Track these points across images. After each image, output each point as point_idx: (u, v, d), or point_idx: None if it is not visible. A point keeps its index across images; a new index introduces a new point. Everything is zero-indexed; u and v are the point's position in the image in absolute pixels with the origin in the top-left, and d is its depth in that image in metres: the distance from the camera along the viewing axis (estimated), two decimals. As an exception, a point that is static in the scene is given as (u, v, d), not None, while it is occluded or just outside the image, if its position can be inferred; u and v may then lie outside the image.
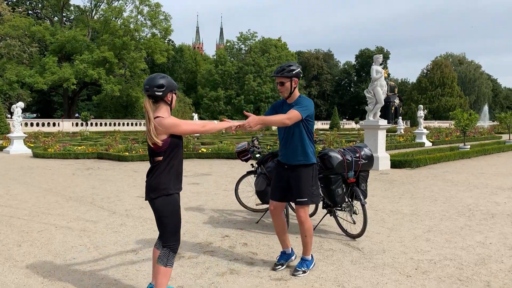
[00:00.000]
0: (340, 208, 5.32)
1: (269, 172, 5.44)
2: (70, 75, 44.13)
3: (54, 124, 40.18)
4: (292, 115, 3.75)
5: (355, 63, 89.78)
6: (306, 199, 3.98)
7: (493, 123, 55.30)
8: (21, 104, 18.22)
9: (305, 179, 3.99)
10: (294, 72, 3.93)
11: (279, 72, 3.95)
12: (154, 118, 3.17)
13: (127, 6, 50.72)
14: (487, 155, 16.16)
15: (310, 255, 4.16)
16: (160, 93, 3.19)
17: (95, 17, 53.04)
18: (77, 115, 55.63)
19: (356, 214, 5.28)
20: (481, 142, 21.30)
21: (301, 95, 4.03)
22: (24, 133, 19.72)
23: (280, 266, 4.19)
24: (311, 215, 6.22)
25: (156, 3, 50.97)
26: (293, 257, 4.35)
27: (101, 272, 4.12)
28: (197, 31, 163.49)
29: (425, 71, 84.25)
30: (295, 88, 3.99)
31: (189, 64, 77.37)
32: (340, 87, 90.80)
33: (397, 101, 61.41)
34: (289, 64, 3.96)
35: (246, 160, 6.12)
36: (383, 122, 12.16)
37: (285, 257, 4.31)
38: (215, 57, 73.96)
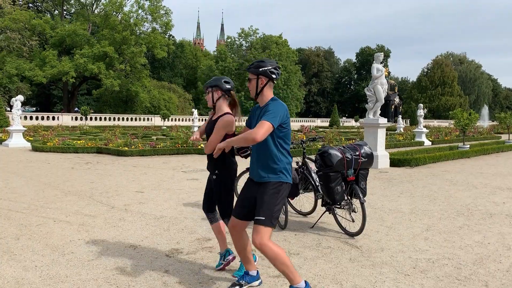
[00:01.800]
0: (339, 206, 5.32)
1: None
2: (70, 69, 44.07)
3: (53, 118, 40.13)
4: (262, 128, 3.09)
5: (355, 61, 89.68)
6: (263, 218, 3.24)
7: (492, 123, 55.32)
8: (20, 98, 18.19)
9: (271, 196, 3.29)
10: (260, 70, 3.33)
11: (248, 67, 3.48)
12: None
13: (127, 0, 50.61)
14: (486, 155, 16.17)
15: (302, 283, 3.29)
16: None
17: (96, 11, 52.94)
18: (76, 109, 55.59)
19: (355, 212, 5.28)
20: (480, 142, 21.31)
21: (273, 98, 3.36)
22: (24, 126, 19.68)
23: (237, 286, 3.61)
24: (309, 212, 6.23)
25: (157, -2, 50.87)
26: (256, 282, 3.68)
27: (99, 266, 4.12)
28: (198, 27, 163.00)
29: (425, 70, 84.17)
30: (262, 88, 3.38)
31: (189, 60, 77.25)
32: (340, 85, 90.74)
33: (397, 99, 61.45)
34: (262, 60, 3.43)
35: (246, 157, 6.08)
36: (383, 121, 12.15)
37: (247, 278, 3.67)
38: (215, 53, 73.82)
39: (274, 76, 3.37)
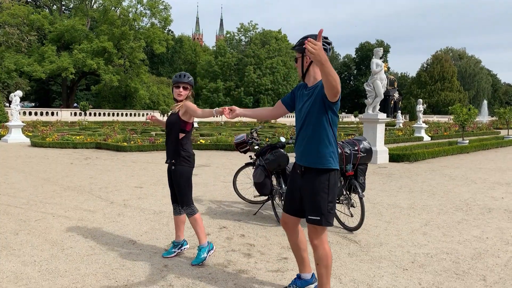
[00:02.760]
0: (338, 201, 5.32)
1: (268, 164, 5.44)
2: (69, 65, 43.96)
3: (52, 114, 40.03)
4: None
5: (355, 56, 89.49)
6: (318, 218, 3.03)
7: (492, 118, 55.32)
8: (19, 93, 18.15)
9: (319, 190, 3.02)
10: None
11: (294, 46, 3.16)
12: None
13: (126, -5, 50.40)
14: (485, 150, 16.18)
15: None
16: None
17: (94, 6, 52.71)
18: (75, 104, 55.48)
19: (353, 207, 5.29)
20: (479, 137, 21.32)
21: None
22: (22, 122, 19.67)
23: None
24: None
25: (156, -7, 50.66)
26: (311, 286, 3.38)
27: (98, 261, 4.12)
28: (197, 22, 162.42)
29: (425, 65, 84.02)
30: (308, 66, 3.07)
31: (188, 55, 77.04)
32: (339, 80, 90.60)
33: (396, 95, 61.40)
34: (307, 35, 3.03)
35: (245, 152, 6.12)
36: (382, 116, 12.15)
37: (299, 282, 3.40)
38: (214, 48, 73.63)
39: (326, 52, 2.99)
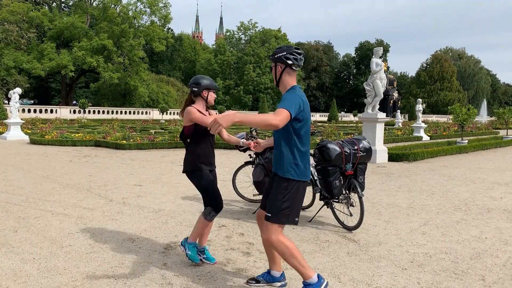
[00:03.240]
0: (337, 200, 5.33)
1: (267, 162, 5.44)
2: (68, 62, 43.90)
3: (51, 111, 39.99)
4: (278, 115, 2.88)
5: (354, 55, 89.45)
6: (270, 215, 3.17)
7: (491, 118, 55.38)
8: (18, 90, 18.11)
9: (277, 192, 3.18)
10: (276, 56, 3.19)
11: (269, 56, 3.32)
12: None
13: (126, -7, 50.31)
14: (484, 150, 16.20)
15: (315, 277, 3.22)
16: (196, 89, 3.94)
17: (94, 4, 52.60)
18: (75, 102, 55.43)
19: (353, 206, 5.29)
20: (478, 137, 21.34)
21: (294, 87, 3.18)
22: (22, 119, 19.65)
23: (253, 282, 3.56)
24: (308, 206, 6.24)
25: (156, -9, 50.57)
26: (277, 284, 3.52)
27: (97, 259, 4.12)
28: (197, 20, 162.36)
29: (424, 65, 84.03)
30: (280, 75, 3.20)
31: (188, 53, 77.01)
32: (339, 80, 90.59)
33: (396, 94, 61.38)
34: (281, 46, 3.29)
35: (244, 151, 6.11)
36: (382, 115, 12.15)
37: (268, 277, 3.55)
38: (214, 46, 73.58)
39: (290, 62, 3.15)
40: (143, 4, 50.74)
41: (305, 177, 3.19)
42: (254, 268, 3.95)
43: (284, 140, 3.14)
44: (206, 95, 3.97)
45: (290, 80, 3.21)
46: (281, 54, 3.18)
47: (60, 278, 3.67)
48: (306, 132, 3.16)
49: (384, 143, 13.31)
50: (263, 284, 3.53)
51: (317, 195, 5.85)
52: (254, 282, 3.56)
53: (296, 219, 3.23)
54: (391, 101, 59.22)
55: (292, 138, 3.12)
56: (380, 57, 12.46)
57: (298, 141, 3.13)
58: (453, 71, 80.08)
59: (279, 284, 3.53)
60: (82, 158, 11.92)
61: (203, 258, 4.07)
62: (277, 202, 3.16)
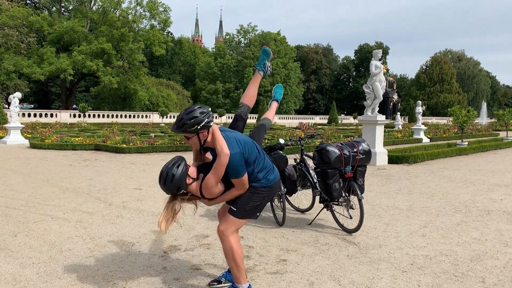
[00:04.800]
0: (337, 203, 5.32)
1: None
2: (68, 66, 43.91)
3: (51, 115, 39.98)
4: (242, 185, 3.19)
5: (354, 58, 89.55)
6: (234, 209, 3.27)
7: (491, 120, 55.38)
8: (18, 95, 18.13)
9: (247, 193, 3.28)
10: (199, 127, 3.03)
11: (179, 129, 3.07)
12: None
13: (126, -3, 50.39)
14: (484, 152, 16.19)
15: (245, 286, 3.33)
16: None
17: (94, 8, 52.70)
18: (74, 106, 55.41)
19: (352, 209, 5.28)
20: (478, 139, 21.34)
21: (224, 133, 3.17)
22: (22, 123, 19.65)
23: (215, 283, 3.60)
24: (307, 209, 6.23)
25: (156, -5, 50.68)
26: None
27: (97, 263, 4.11)
28: (196, 24, 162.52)
29: (424, 67, 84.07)
30: (205, 140, 3.14)
31: (188, 57, 77.07)
32: (339, 82, 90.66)
33: (395, 96, 61.45)
34: (191, 116, 3.04)
35: None
36: (381, 118, 12.15)
37: (229, 276, 3.58)
38: (214, 50, 73.67)
39: (211, 123, 3.10)
40: (142, 8, 50.84)
41: (270, 182, 3.33)
42: (253, 272, 3.94)
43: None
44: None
45: (211, 135, 3.14)
46: (203, 123, 3.03)
47: (59, 282, 3.66)
48: (257, 163, 3.25)
49: (384, 145, 13.31)
50: (225, 284, 3.57)
51: (317, 198, 5.84)
52: (216, 283, 3.60)
53: (258, 214, 3.38)
54: (391, 103, 59.26)
55: (251, 174, 3.25)
56: (380, 60, 12.48)
57: (256, 173, 3.27)
58: (453, 73, 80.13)
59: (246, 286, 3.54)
60: (82, 162, 11.91)
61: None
62: (245, 201, 3.26)
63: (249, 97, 3.86)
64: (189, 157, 3.49)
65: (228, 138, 3.12)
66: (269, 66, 3.92)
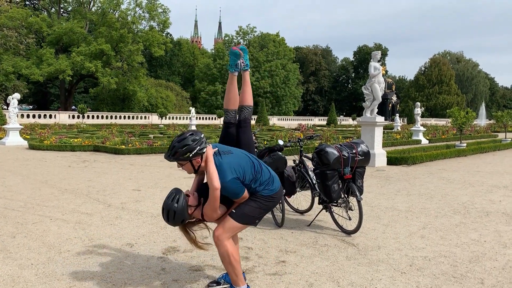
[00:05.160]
0: (336, 204, 5.33)
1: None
2: (67, 67, 43.90)
3: (50, 116, 39.96)
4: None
5: (353, 59, 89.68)
6: (234, 211, 3.28)
7: (489, 122, 55.47)
8: (17, 96, 18.12)
9: (248, 201, 3.30)
10: (191, 155, 3.11)
11: (173, 157, 3.15)
12: None
13: (125, -2, 50.43)
14: (483, 153, 16.21)
15: (242, 287, 3.35)
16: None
17: (93, 9, 52.72)
18: (73, 107, 55.40)
19: (351, 210, 5.28)
20: (477, 141, 21.37)
21: (217, 161, 3.20)
22: (20, 124, 19.62)
23: (214, 284, 3.60)
24: (306, 210, 6.24)
25: (155, -4, 50.70)
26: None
27: (96, 264, 4.11)
28: (196, 25, 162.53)
29: (422, 68, 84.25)
30: (199, 166, 3.22)
31: (187, 58, 77.09)
32: (337, 84, 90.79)
33: (394, 98, 61.51)
34: (184, 144, 3.11)
35: None
36: (380, 119, 12.16)
37: (228, 277, 3.55)
38: (213, 51, 73.67)
39: (204, 150, 3.16)
40: (142, 9, 50.85)
41: (271, 192, 3.33)
42: (253, 273, 3.94)
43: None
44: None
45: (206, 161, 3.20)
46: (195, 151, 3.12)
47: (58, 283, 3.66)
48: (254, 181, 3.26)
49: (383, 146, 13.32)
50: (224, 286, 3.55)
51: (316, 199, 5.84)
52: (215, 284, 3.59)
53: (257, 221, 3.38)
54: (390, 105, 59.32)
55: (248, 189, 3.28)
56: (378, 61, 12.49)
57: (254, 188, 3.28)
58: (452, 74, 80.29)
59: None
60: (80, 163, 11.90)
61: None
62: (247, 208, 3.26)
63: (232, 100, 3.75)
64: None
65: (221, 165, 3.14)
66: (242, 62, 3.80)
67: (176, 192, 3.21)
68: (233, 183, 3.12)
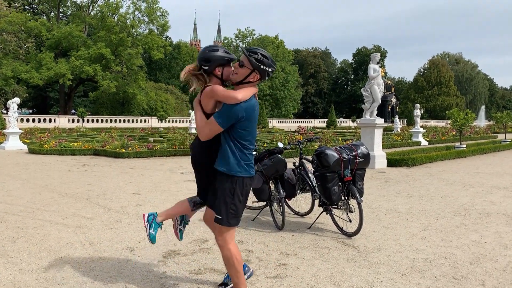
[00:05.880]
0: (336, 206, 5.32)
1: (266, 169, 5.43)
2: (66, 71, 43.96)
3: (50, 120, 40.00)
4: (206, 128, 3.14)
5: (352, 61, 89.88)
6: (220, 217, 3.21)
7: (489, 123, 55.50)
8: (16, 100, 18.11)
9: (222, 192, 3.20)
10: (262, 67, 3.16)
11: (249, 53, 3.17)
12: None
13: (124, 2, 50.57)
14: (483, 155, 16.22)
15: None
16: (206, 68, 3.22)
17: (92, 13, 52.81)
18: (73, 111, 55.43)
19: (352, 212, 5.28)
20: (477, 142, 21.37)
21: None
22: (20, 129, 19.62)
23: (223, 286, 3.66)
24: (307, 213, 6.23)
25: (154, -1, 50.82)
26: (245, 276, 3.53)
27: (96, 269, 4.11)
28: (195, 28, 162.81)
29: (422, 70, 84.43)
30: (247, 81, 3.22)
31: (186, 61, 77.10)
32: (337, 86, 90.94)
33: (394, 100, 61.61)
34: (266, 56, 3.20)
35: None
36: (380, 121, 12.17)
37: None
38: (212, 54, 73.69)
39: (266, 77, 3.23)
40: (141, 13, 50.95)
41: (249, 173, 3.27)
42: (253, 276, 3.93)
43: (227, 145, 3.25)
44: (220, 73, 3.26)
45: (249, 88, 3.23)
46: (268, 70, 3.18)
47: (58, 288, 3.65)
48: (246, 137, 3.22)
49: (383, 148, 13.33)
50: (231, 285, 3.54)
51: (316, 201, 5.84)
52: (223, 286, 3.65)
53: (239, 216, 3.32)
54: (389, 107, 59.40)
55: (235, 141, 3.21)
56: (378, 63, 12.51)
57: (243, 145, 3.21)
58: (451, 76, 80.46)
59: (245, 276, 3.62)
60: (80, 167, 11.90)
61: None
62: (223, 203, 3.20)
63: None
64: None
65: (234, 111, 3.10)
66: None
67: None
68: (235, 111, 3.08)
